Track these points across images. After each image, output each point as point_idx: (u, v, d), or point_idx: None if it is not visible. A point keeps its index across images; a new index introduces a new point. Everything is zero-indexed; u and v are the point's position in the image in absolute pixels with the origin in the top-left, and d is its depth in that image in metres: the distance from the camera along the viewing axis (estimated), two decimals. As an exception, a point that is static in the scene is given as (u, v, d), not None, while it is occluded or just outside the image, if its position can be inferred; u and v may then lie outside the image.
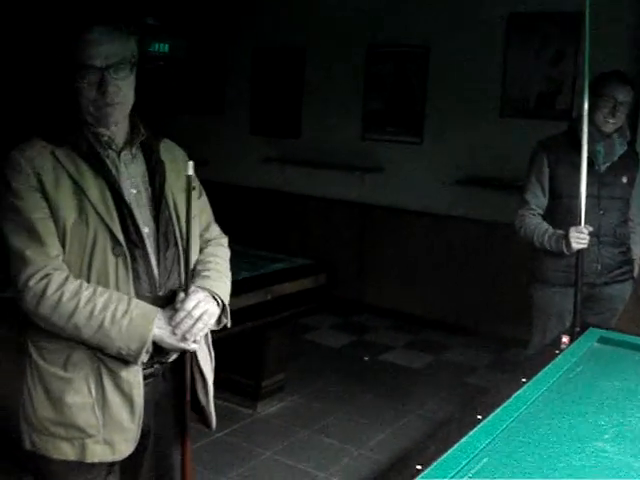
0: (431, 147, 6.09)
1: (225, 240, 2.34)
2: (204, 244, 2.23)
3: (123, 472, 2.14)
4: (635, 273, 3.81)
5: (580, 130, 3.17)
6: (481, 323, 5.87)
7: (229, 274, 2.23)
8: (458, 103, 5.89)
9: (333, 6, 6.44)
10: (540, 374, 2.39)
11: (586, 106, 3.14)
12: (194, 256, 2.12)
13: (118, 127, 2.03)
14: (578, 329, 2.95)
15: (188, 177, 1.91)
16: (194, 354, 2.10)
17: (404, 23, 6.09)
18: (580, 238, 3.25)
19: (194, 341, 1.99)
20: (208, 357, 2.20)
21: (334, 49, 6.50)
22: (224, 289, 2.14)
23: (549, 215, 3.60)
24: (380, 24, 6.21)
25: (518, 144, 5.52)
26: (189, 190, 1.92)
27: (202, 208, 2.26)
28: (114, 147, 2.02)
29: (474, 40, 5.76)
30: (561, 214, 3.51)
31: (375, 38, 6.27)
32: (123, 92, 1.97)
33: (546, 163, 3.57)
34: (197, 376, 2.14)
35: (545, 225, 3.55)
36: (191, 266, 2.06)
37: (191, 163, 1.92)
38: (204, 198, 2.29)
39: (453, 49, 5.88)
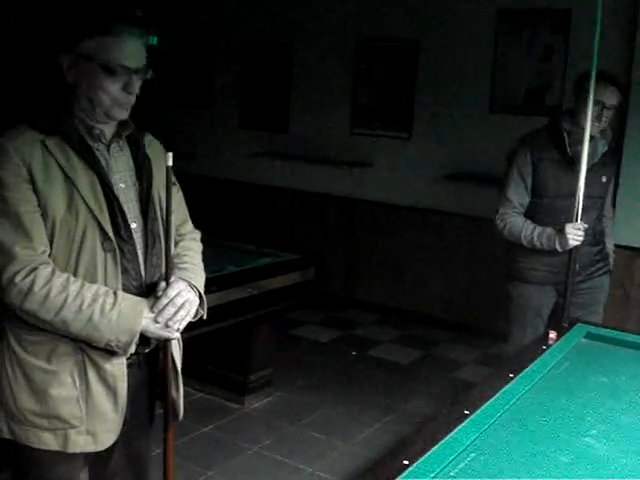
0: (420, 142, 6.09)
1: (198, 235, 2.37)
2: (179, 237, 2.25)
3: (94, 462, 2.15)
4: (611, 266, 3.82)
5: (588, 129, 3.13)
6: (469, 318, 5.88)
7: (202, 267, 2.26)
8: (447, 98, 5.89)
9: (322, 0, 6.42)
10: (527, 369, 2.40)
11: (590, 104, 3.10)
12: (171, 250, 2.13)
13: (109, 123, 2.03)
14: (566, 325, 2.95)
15: (168, 168, 1.92)
16: (169, 345, 2.11)
17: (393, 18, 6.07)
18: (577, 235, 3.25)
19: (177, 329, 2.01)
20: (178, 347, 2.21)
21: (323, 43, 6.48)
22: (201, 281, 2.17)
23: (531, 214, 3.56)
24: (369, 19, 6.20)
25: (507, 139, 5.50)
26: (169, 181, 1.94)
27: (179, 203, 2.27)
28: (104, 140, 2.02)
29: (463, 36, 5.76)
30: (544, 213, 3.50)
31: (364, 33, 6.25)
32: (137, 93, 2.01)
33: (529, 160, 3.53)
34: (170, 366, 2.15)
35: (530, 223, 3.52)
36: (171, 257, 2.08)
37: (170, 154, 1.93)
38: (181, 194, 2.30)
39: (442, 44, 5.88)
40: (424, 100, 6.02)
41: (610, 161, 3.69)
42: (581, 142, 3.43)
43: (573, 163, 3.38)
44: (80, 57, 1.93)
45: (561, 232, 3.30)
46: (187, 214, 2.34)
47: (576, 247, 3.23)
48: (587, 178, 3.48)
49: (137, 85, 1.98)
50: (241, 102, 7.09)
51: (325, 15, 6.41)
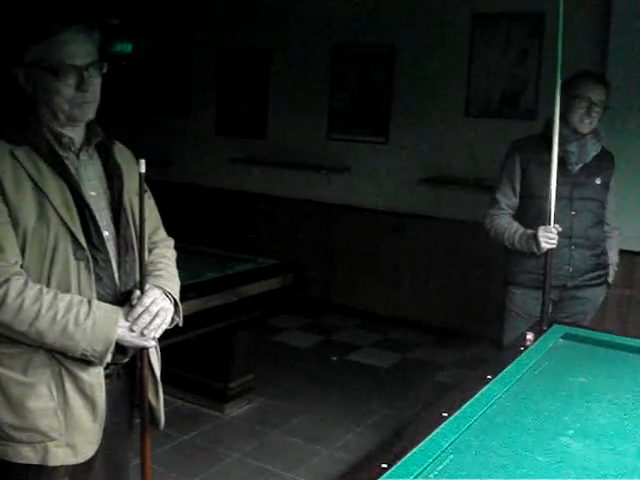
0: (396, 146, 6.11)
1: (171, 242, 2.35)
2: (152, 245, 2.24)
3: (74, 474, 2.11)
4: (610, 278, 3.76)
5: (552, 130, 3.16)
6: (449, 321, 5.91)
7: (177, 274, 2.25)
8: (423, 102, 5.92)
9: (298, 6, 6.43)
10: (505, 371, 2.41)
11: (557, 107, 3.13)
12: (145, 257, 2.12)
13: (77, 128, 2.01)
14: (545, 327, 2.96)
15: (140, 175, 1.92)
16: (147, 354, 2.10)
17: (369, 23, 6.10)
18: (549, 238, 3.21)
19: (153, 338, 2.00)
20: (156, 356, 2.20)
21: (299, 49, 6.49)
22: (175, 288, 2.15)
23: (521, 216, 3.55)
24: (345, 24, 6.22)
25: (483, 143, 5.58)
26: (141, 188, 1.94)
27: (151, 210, 2.26)
28: (73, 149, 2.00)
29: (439, 40, 5.79)
30: (533, 215, 3.45)
31: (340, 38, 6.27)
32: (97, 91, 1.99)
33: (518, 163, 3.54)
34: (148, 375, 2.14)
35: (515, 225, 3.51)
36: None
37: (143, 161, 1.93)
38: (152, 200, 2.29)
39: (418, 49, 5.91)
40: (400, 104, 6.05)
41: (607, 164, 3.61)
42: (570, 143, 3.46)
43: (563, 164, 3.40)
44: (30, 66, 1.93)
45: (536, 235, 3.30)
46: (160, 221, 2.33)
47: (551, 250, 3.22)
48: (579, 179, 3.49)
49: (94, 82, 1.97)
50: (218, 109, 7.08)
51: (301, 21, 6.43)
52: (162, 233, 2.33)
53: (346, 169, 6.35)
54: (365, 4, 6.10)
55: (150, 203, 2.25)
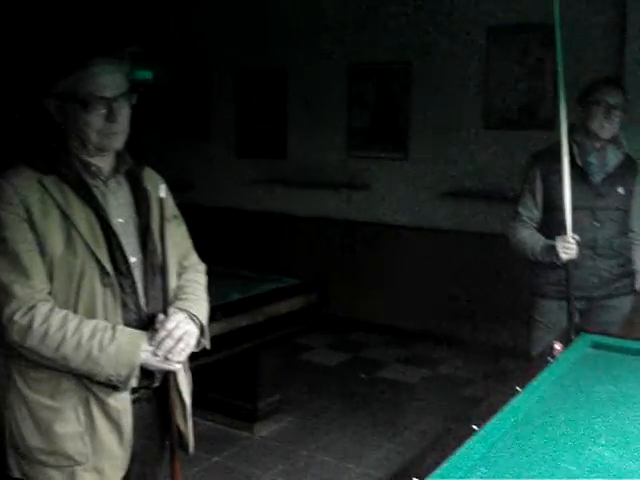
0: (416, 161, 6.12)
1: (203, 267, 2.36)
2: (182, 270, 2.25)
3: None
4: (637, 286, 3.70)
5: (565, 142, 3.14)
6: (476, 334, 5.87)
7: (206, 298, 2.25)
8: (441, 117, 5.93)
9: (313, 26, 6.48)
10: (534, 382, 2.39)
11: (563, 115, 3.12)
12: (173, 282, 2.15)
13: (105, 157, 2.04)
14: (573, 337, 2.93)
15: (161, 199, 1.97)
16: (175, 378, 2.11)
17: (384, 40, 6.13)
18: (567, 248, 3.19)
19: (177, 362, 2.00)
20: (186, 381, 2.21)
21: (316, 69, 6.53)
22: (202, 311, 2.16)
23: (544, 228, 3.52)
24: (361, 42, 6.25)
25: (502, 155, 5.57)
26: (162, 213, 1.97)
27: (182, 236, 2.28)
28: (101, 177, 2.03)
29: (455, 54, 5.81)
30: (556, 226, 3.38)
31: (356, 56, 6.31)
32: (126, 121, 2.03)
33: (538, 175, 3.52)
34: (177, 400, 2.15)
35: (537, 236, 3.49)
36: (170, 289, 2.09)
37: (163, 186, 1.97)
38: (184, 227, 2.31)
39: (434, 64, 5.92)
40: (419, 120, 6.06)
41: (628, 172, 3.56)
42: (590, 153, 3.44)
43: (585, 175, 3.39)
44: (60, 98, 1.97)
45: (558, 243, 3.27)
46: (191, 246, 2.34)
47: (572, 261, 3.20)
48: (602, 189, 3.45)
49: (122, 113, 2.00)
50: (238, 131, 7.14)
51: (317, 40, 6.47)
52: (193, 258, 2.33)
53: (366, 186, 6.36)
54: (380, 21, 6.13)
55: (181, 229, 2.28)
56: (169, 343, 1.96)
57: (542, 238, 3.46)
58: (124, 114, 2.01)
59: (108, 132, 1.98)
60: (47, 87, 1.98)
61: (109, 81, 1.96)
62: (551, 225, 3.47)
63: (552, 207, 3.48)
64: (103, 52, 1.97)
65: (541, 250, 3.43)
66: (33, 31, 6.46)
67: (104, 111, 1.96)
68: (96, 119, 1.96)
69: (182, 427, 2.18)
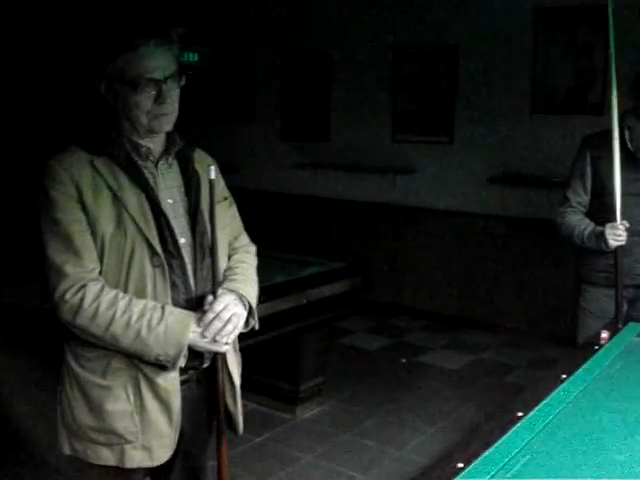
0: (462, 146, 6.07)
1: (253, 248, 2.36)
2: (232, 251, 2.25)
3: (155, 474, 2.17)
4: None
5: (616, 126, 3.09)
6: (519, 321, 5.83)
7: (256, 279, 2.26)
8: (488, 101, 5.87)
9: (359, 9, 6.45)
10: (580, 370, 2.36)
11: (614, 99, 3.08)
12: (223, 263, 2.16)
13: (155, 138, 2.06)
14: (620, 326, 2.89)
15: (211, 181, 1.97)
16: (224, 359, 2.12)
17: (431, 23, 6.08)
18: (616, 235, 3.15)
19: (226, 343, 2.01)
20: (236, 363, 2.22)
21: (361, 52, 6.51)
22: (251, 292, 2.16)
23: (593, 213, 3.47)
24: (407, 25, 6.21)
25: (550, 140, 5.50)
26: (212, 194, 1.97)
27: (232, 217, 2.29)
28: (152, 158, 2.05)
29: (502, 37, 5.74)
30: (605, 212, 3.33)
31: (402, 39, 6.27)
32: (175, 102, 2.03)
33: (589, 160, 3.46)
34: (226, 381, 2.16)
35: (586, 222, 3.44)
36: (220, 270, 2.10)
37: (213, 168, 1.98)
38: (234, 208, 2.32)
39: (481, 47, 5.86)
40: (465, 104, 6.01)
41: None
42: None
43: (635, 160, 3.33)
44: (111, 79, 1.98)
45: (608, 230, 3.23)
46: (241, 227, 2.35)
47: (621, 247, 3.16)
48: None
49: (172, 94, 2.00)
50: (282, 114, 7.15)
51: (362, 24, 6.45)
52: (243, 240, 2.34)
53: (411, 170, 6.33)
54: (426, 4, 6.08)
55: (232, 210, 2.29)
56: (217, 325, 1.97)
57: (591, 224, 3.40)
58: (173, 96, 2.01)
59: (157, 113, 1.98)
60: (98, 69, 1.99)
61: (158, 63, 1.96)
62: (600, 211, 3.42)
63: (601, 192, 3.43)
64: (151, 34, 1.97)
65: (589, 235, 3.38)
66: (85, 14, 6.54)
67: (153, 93, 1.96)
68: (145, 101, 1.96)
69: (231, 408, 2.20)
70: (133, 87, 1.95)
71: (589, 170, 3.48)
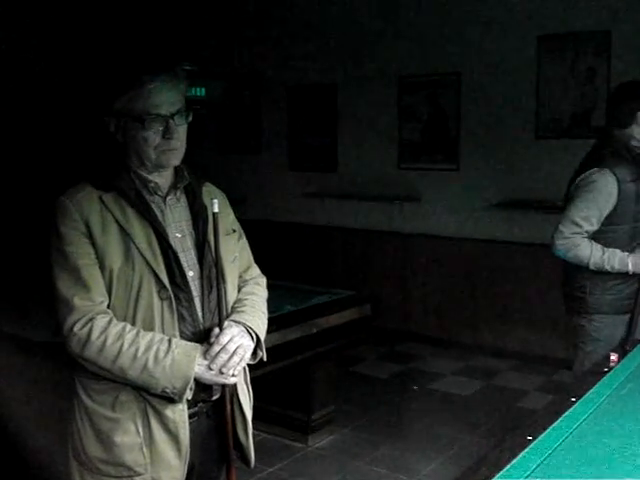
0: (468, 172, 6.11)
1: (263, 280, 2.38)
2: (242, 284, 2.27)
3: None
4: None
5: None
6: (529, 346, 5.82)
7: (265, 311, 2.27)
8: (493, 127, 5.92)
9: (362, 40, 6.53)
10: (590, 393, 2.36)
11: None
12: (233, 295, 2.18)
13: (164, 173, 2.10)
14: (629, 348, 2.89)
15: (214, 214, 2.01)
16: (235, 391, 2.13)
17: (434, 51, 6.15)
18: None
19: (232, 375, 2.02)
20: (247, 395, 2.23)
21: (366, 82, 6.57)
22: (259, 324, 2.17)
23: (607, 241, 3.37)
24: (410, 54, 6.28)
25: (555, 164, 5.52)
26: (215, 226, 2.01)
27: (242, 249, 2.31)
28: (160, 193, 2.08)
29: (506, 63, 5.80)
30: (622, 240, 3.33)
31: (406, 69, 6.33)
32: (183, 138, 2.06)
33: (616, 194, 3.31)
34: (237, 413, 2.17)
35: (599, 246, 3.35)
36: (229, 302, 2.13)
37: (215, 201, 2.01)
38: (244, 240, 2.34)
39: (485, 74, 5.92)
40: (469, 130, 6.05)
41: None
42: None
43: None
44: (119, 116, 2.01)
45: (633, 254, 3.22)
46: (251, 260, 2.37)
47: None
48: None
49: (179, 130, 2.03)
50: (289, 145, 7.21)
51: (366, 54, 6.52)
52: (254, 271, 2.36)
53: (418, 198, 6.36)
54: (429, 33, 6.14)
55: (242, 242, 2.31)
56: (223, 357, 1.98)
57: (604, 248, 3.34)
58: (181, 131, 2.04)
59: (165, 149, 2.02)
60: (106, 105, 2.03)
61: (165, 98, 2.00)
62: (615, 237, 3.37)
63: (620, 220, 3.37)
64: (158, 70, 2.01)
65: (609, 260, 3.31)
66: (93, 50, 6.63)
67: (160, 128, 2.00)
68: (153, 136, 2.00)
69: (243, 440, 2.21)
70: (141, 122, 1.98)
71: (614, 200, 3.33)
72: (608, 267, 3.34)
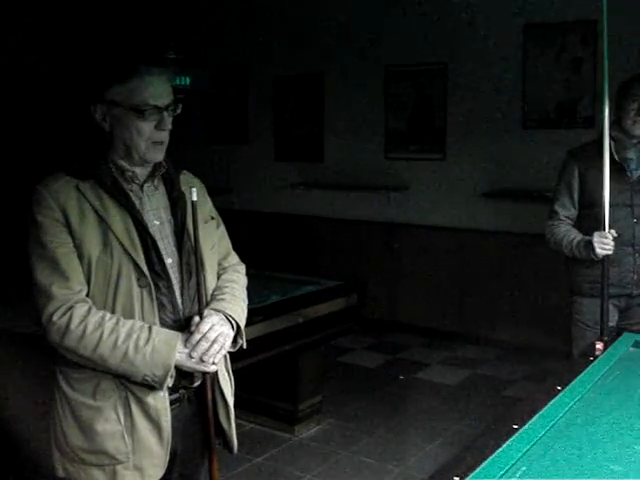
0: (454, 162, 6.11)
1: (242, 267, 2.39)
2: (222, 271, 2.28)
3: None
4: None
5: (607, 137, 3.12)
6: (516, 335, 5.84)
7: (245, 298, 2.28)
8: (479, 117, 5.92)
9: (348, 30, 6.51)
10: (575, 381, 2.38)
11: (606, 112, 3.12)
12: (212, 283, 2.18)
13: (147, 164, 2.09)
14: (606, 338, 2.90)
15: (193, 203, 2.01)
16: (216, 378, 2.14)
17: (420, 41, 6.14)
18: (604, 243, 3.18)
19: (213, 363, 2.03)
20: (228, 381, 2.23)
21: (352, 71, 6.56)
22: (239, 311, 2.17)
23: (582, 225, 3.50)
24: (396, 44, 6.26)
25: (541, 154, 5.53)
26: (194, 215, 2.01)
27: (221, 237, 2.31)
28: (137, 181, 2.08)
29: (492, 53, 5.80)
30: (593, 223, 3.35)
31: (392, 58, 6.32)
32: (168, 131, 2.07)
33: (576, 173, 3.50)
34: (219, 400, 2.18)
35: (574, 232, 3.48)
36: (209, 290, 2.13)
37: (194, 189, 2.01)
38: (222, 228, 2.34)
39: (471, 64, 5.92)
40: (456, 120, 6.05)
41: None
42: (628, 149, 3.41)
43: (622, 171, 3.36)
44: (111, 104, 2.00)
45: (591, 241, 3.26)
46: (230, 247, 2.37)
47: (608, 256, 3.17)
48: (638, 186, 3.43)
49: (169, 121, 2.04)
50: (275, 135, 7.19)
51: (353, 43, 6.50)
52: (232, 259, 2.36)
53: (405, 187, 6.36)
54: (415, 23, 6.13)
55: (220, 230, 2.31)
56: (204, 345, 1.98)
57: (578, 234, 3.45)
58: (169, 123, 2.05)
59: (156, 140, 2.02)
60: (95, 94, 2.02)
61: (161, 90, 2.02)
62: (588, 222, 3.45)
63: (589, 204, 3.47)
64: (152, 60, 2.01)
65: (578, 244, 3.41)
66: (78, 38, 6.58)
67: (156, 119, 2.01)
68: (148, 127, 2.01)
69: (226, 427, 2.21)
70: (139, 113, 1.98)
71: (577, 183, 3.51)
72: (577, 252, 3.43)
